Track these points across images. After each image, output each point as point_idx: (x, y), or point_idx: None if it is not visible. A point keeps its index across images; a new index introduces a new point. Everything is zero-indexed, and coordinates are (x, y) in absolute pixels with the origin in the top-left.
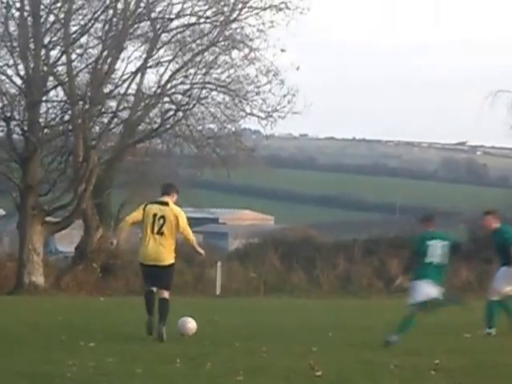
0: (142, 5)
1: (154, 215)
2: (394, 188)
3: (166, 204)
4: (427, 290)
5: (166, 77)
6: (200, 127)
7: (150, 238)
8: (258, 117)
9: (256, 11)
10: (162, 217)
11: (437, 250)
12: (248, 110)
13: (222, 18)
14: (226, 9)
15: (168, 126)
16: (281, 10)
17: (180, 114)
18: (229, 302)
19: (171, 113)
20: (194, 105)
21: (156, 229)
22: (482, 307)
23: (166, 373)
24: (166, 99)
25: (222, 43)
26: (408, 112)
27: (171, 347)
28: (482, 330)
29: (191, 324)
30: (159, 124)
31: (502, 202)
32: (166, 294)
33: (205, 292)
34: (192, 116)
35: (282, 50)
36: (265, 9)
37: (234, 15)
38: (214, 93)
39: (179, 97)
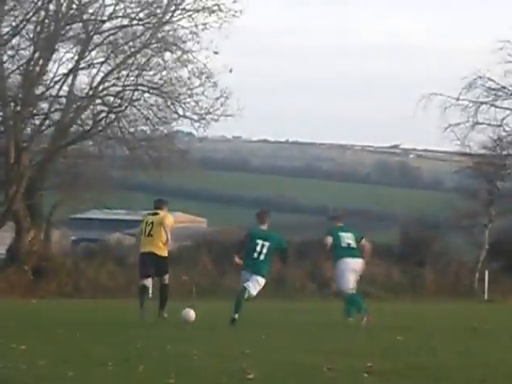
0: (74, 6)
1: (146, 222)
2: (327, 191)
3: (157, 214)
4: (247, 278)
5: (98, 78)
6: (132, 129)
7: (143, 239)
8: (191, 119)
9: (189, 13)
10: (151, 223)
11: (263, 249)
12: (181, 112)
13: (154, 20)
14: (158, 11)
15: (100, 127)
16: (213, 12)
17: (112, 115)
18: None
19: (103, 115)
20: (127, 107)
21: (147, 232)
22: (413, 309)
23: (97, 375)
24: (98, 101)
25: (155, 45)
26: (341, 115)
27: (103, 350)
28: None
29: (193, 312)
30: (91, 126)
31: (435, 204)
32: (166, 280)
33: (137, 295)
34: (124, 118)
35: (215, 53)
36: (198, 11)
37: (167, 17)
38: (146, 95)
39: (111, 99)
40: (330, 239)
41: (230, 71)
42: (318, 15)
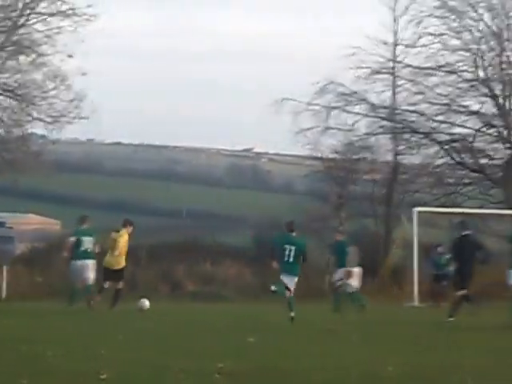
0: None
1: (111, 239)
2: (181, 193)
3: (118, 231)
4: (285, 280)
5: None
6: None
7: (109, 253)
8: (45, 121)
9: (44, 17)
10: (114, 240)
11: (291, 252)
12: (35, 114)
13: (9, 24)
14: (13, 14)
15: None
16: (68, 16)
17: None
18: (15, 306)
19: None
20: None
21: (111, 247)
22: (265, 311)
23: None
24: None
25: (10, 48)
26: (196, 118)
27: None
28: None
29: (148, 302)
30: None
31: (286, 207)
32: (120, 285)
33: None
34: None
35: (69, 56)
36: (52, 15)
37: (22, 21)
38: (0, 97)
39: None
40: (72, 239)
41: (84, 74)
42: (172, 18)
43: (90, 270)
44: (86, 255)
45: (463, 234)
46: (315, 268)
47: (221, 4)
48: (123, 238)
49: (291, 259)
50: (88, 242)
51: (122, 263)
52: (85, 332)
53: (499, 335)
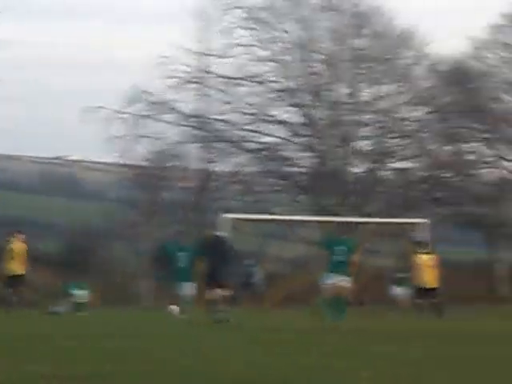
0: None
1: (7, 249)
2: None
3: (11, 241)
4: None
5: None
6: None
7: (9, 262)
8: None
9: None
10: (11, 249)
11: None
12: None
13: None
14: None
15: None
16: None
17: None
18: None
19: None
20: None
21: (11, 256)
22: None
23: None
24: None
25: None
26: (7, 126)
27: None
28: None
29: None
30: None
31: (99, 215)
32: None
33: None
34: None
35: None
36: None
37: None
38: None
39: None
40: None
41: None
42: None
43: None
44: None
45: (216, 234)
46: (128, 273)
47: (41, 16)
48: (16, 246)
49: (183, 264)
50: None
51: (22, 269)
52: None
53: (319, 336)
